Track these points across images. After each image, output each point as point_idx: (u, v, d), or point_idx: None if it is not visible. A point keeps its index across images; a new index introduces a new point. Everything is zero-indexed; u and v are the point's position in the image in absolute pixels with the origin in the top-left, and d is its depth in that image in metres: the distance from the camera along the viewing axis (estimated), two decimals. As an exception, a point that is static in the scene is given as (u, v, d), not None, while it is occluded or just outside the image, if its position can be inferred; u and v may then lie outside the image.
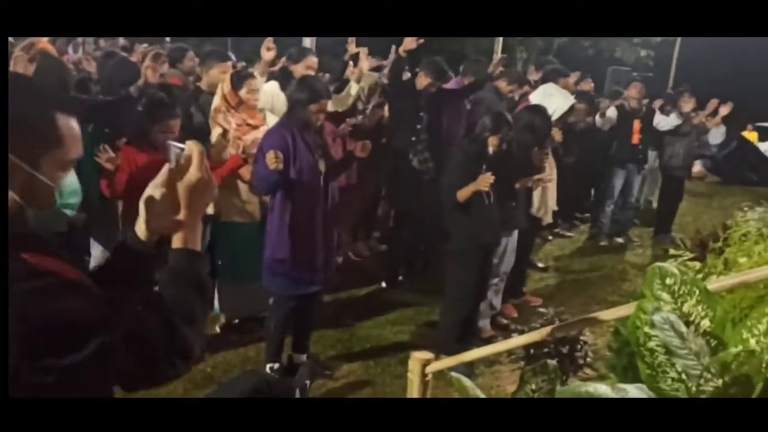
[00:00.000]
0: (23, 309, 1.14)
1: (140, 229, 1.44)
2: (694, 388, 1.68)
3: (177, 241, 1.42)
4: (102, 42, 12.83)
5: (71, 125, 1.33)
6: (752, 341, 1.80)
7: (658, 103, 8.87)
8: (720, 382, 1.67)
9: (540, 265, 6.63)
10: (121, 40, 14.77)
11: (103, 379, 1.29)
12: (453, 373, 2.00)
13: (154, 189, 1.42)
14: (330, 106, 4.66)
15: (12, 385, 1.13)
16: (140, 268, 1.44)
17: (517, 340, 2.77)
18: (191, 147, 1.41)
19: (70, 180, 1.47)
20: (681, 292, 2.05)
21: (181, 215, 1.40)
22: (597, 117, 7.45)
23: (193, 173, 1.40)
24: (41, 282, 1.19)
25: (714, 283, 2.27)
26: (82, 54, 9.76)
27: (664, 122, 7.75)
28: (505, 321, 5.10)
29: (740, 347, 1.72)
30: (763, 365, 1.72)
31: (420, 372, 2.58)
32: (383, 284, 5.73)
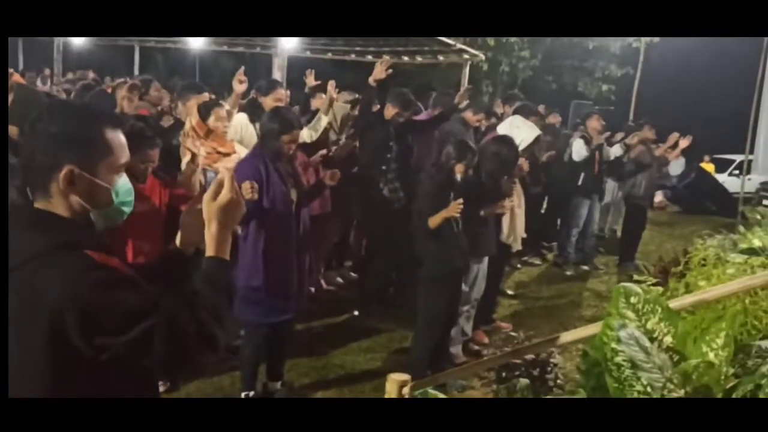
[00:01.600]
0: (84, 296, 1.42)
1: (179, 239, 1.77)
2: (656, 396, 1.77)
3: (210, 250, 1.63)
4: (70, 75, 12.84)
5: (117, 136, 1.62)
6: (711, 355, 1.91)
7: (619, 135, 9.17)
8: (682, 392, 1.77)
9: (509, 292, 6.75)
10: (91, 73, 14.79)
11: (144, 362, 1.50)
12: (430, 389, 2.07)
13: (190, 209, 1.75)
14: (302, 137, 4.76)
15: (74, 361, 1.42)
16: (179, 270, 1.72)
17: (491, 360, 2.85)
18: (223, 172, 1.67)
19: (123, 181, 1.71)
20: (645, 310, 2.16)
21: (214, 229, 1.62)
22: (569, 150, 7.66)
23: (224, 194, 1.63)
24: (100, 274, 1.48)
25: (675, 301, 2.39)
26: (50, 86, 9.77)
27: (610, 153, 8.04)
28: (476, 347, 5.18)
29: (700, 359, 1.83)
30: (722, 377, 1.83)
31: (397, 393, 2.64)
32: (356, 312, 5.77)
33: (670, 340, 2.12)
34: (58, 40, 10.69)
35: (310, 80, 6.38)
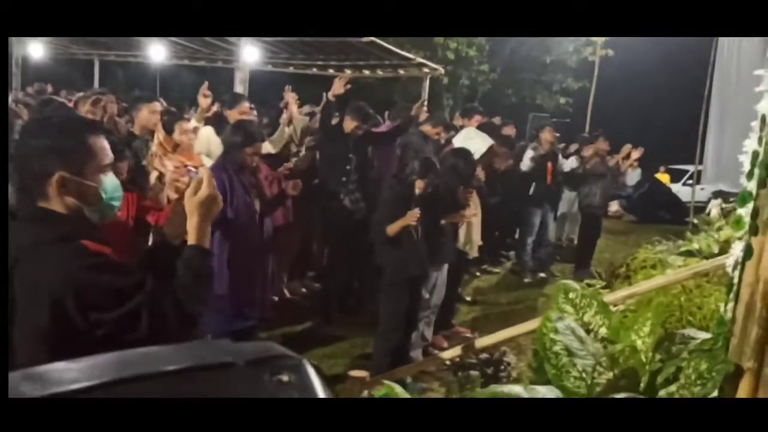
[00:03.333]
0: (81, 279, 1.67)
1: (167, 231, 2.04)
2: (589, 381, 1.95)
3: (191, 239, 1.86)
4: (29, 89, 12.73)
5: (98, 140, 1.86)
6: (639, 342, 2.10)
7: (573, 147, 9.50)
8: (611, 374, 1.95)
9: (468, 298, 6.94)
10: (49, 87, 14.66)
11: (132, 337, 1.69)
12: (387, 381, 2.22)
13: (175, 205, 2.02)
14: (264, 149, 4.89)
15: (73, 336, 1.64)
16: (164, 257, 1.92)
17: (444, 354, 3.01)
18: (202, 171, 1.97)
19: (110, 179, 1.88)
20: (582, 304, 2.36)
21: (194, 221, 1.86)
22: (522, 163, 7.92)
23: (203, 191, 1.87)
24: (94, 260, 1.72)
25: (609, 296, 2.59)
26: (11, 101, 9.69)
27: (565, 165, 8.34)
28: (436, 351, 5.34)
29: (626, 344, 2.01)
30: (646, 361, 2.02)
31: (358, 390, 2.79)
32: (317, 319, 5.89)
33: (605, 331, 2.31)
34: (17, 54, 10.62)
35: (291, 99, 6.44)
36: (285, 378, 0.94)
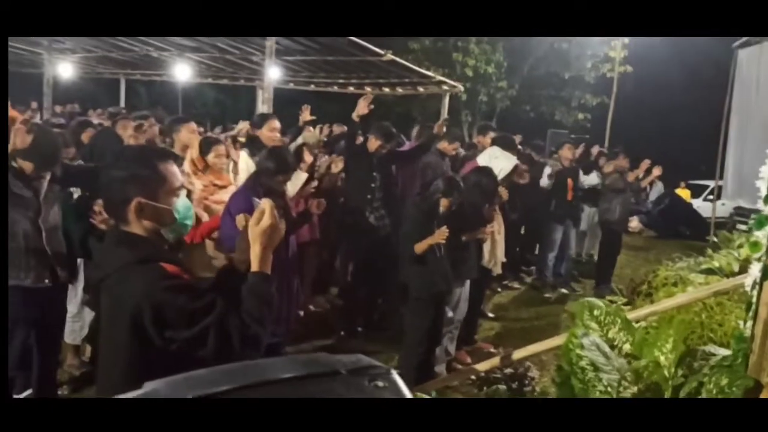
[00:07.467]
0: (159, 299, 1.82)
1: (235, 258, 2.17)
2: (615, 395, 2.05)
3: (254, 266, 1.99)
4: (58, 108, 13.05)
5: (169, 165, 2.03)
6: (662, 358, 2.20)
7: (594, 152, 9.65)
8: (636, 389, 2.05)
9: (490, 314, 7.03)
10: (76, 106, 14.99)
11: (202, 354, 1.84)
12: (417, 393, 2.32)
13: (242, 234, 2.11)
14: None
15: (149, 351, 1.80)
16: (231, 282, 2.06)
17: (479, 366, 3.12)
18: (264, 202, 2.04)
19: (182, 201, 2.08)
20: (606, 321, 2.46)
21: (257, 249, 1.98)
22: (541, 180, 8.02)
23: (265, 220, 1.99)
24: (171, 282, 1.88)
25: (632, 313, 2.68)
26: (41, 119, 9.97)
27: (586, 181, 8.41)
28: (459, 366, 5.43)
29: (649, 359, 2.11)
30: (669, 376, 2.12)
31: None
32: (342, 333, 6.01)
33: (629, 347, 2.41)
34: (48, 74, 10.90)
35: (306, 115, 6.67)
36: (380, 384, 1.12)
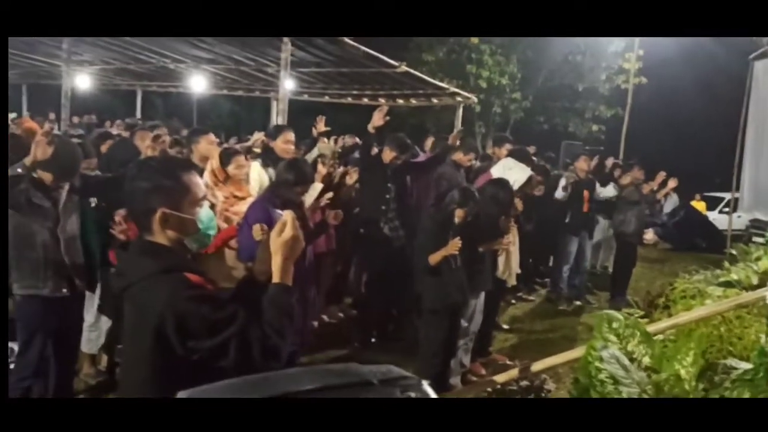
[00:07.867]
0: (182, 308, 1.84)
1: (255, 269, 2.19)
2: (635, 408, 2.03)
3: (276, 278, 1.98)
4: (75, 119, 13.18)
5: (192, 176, 2.06)
6: (682, 371, 2.18)
7: (618, 173, 9.58)
8: (656, 402, 2.03)
9: (505, 326, 7.00)
10: (93, 117, 15.12)
11: (222, 364, 1.85)
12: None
13: (263, 245, 2.12)
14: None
15: (171, 358, 1.81)
16: (252, 293, 2.06)
17: (498, 377, 3.11)
18: (287, 214, 2.03)
19: (205, 211, 2.11)
20: (625, 334, 2.44)
21: (278, 260, 1.97)
22: (557, 192, 8.00)
23: (287, 232, 1.98)
24: (194, 292, 1.89)
25: (651, 326, 2.66)
26: (59, 130, 10.07)
27: (602, 193, 8.37)
28: (474, 378, 5.41)
29: (670, 373, 2.10)
30: (690, 389, 2.10)
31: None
32: (356, 344, 6.00)
33: (648, 360, 2.39)
34: (66, 86, 11.03)
35: (320, 126, 6.72)
36: (413, 395, 1.14)
